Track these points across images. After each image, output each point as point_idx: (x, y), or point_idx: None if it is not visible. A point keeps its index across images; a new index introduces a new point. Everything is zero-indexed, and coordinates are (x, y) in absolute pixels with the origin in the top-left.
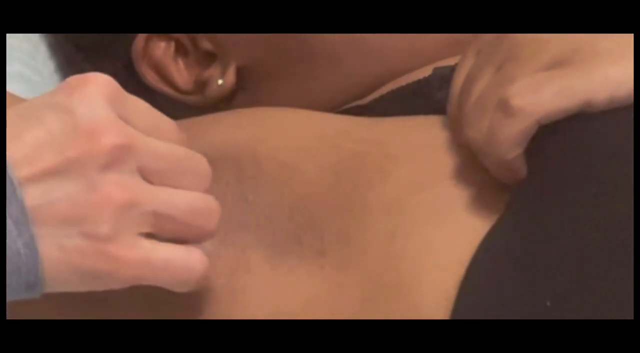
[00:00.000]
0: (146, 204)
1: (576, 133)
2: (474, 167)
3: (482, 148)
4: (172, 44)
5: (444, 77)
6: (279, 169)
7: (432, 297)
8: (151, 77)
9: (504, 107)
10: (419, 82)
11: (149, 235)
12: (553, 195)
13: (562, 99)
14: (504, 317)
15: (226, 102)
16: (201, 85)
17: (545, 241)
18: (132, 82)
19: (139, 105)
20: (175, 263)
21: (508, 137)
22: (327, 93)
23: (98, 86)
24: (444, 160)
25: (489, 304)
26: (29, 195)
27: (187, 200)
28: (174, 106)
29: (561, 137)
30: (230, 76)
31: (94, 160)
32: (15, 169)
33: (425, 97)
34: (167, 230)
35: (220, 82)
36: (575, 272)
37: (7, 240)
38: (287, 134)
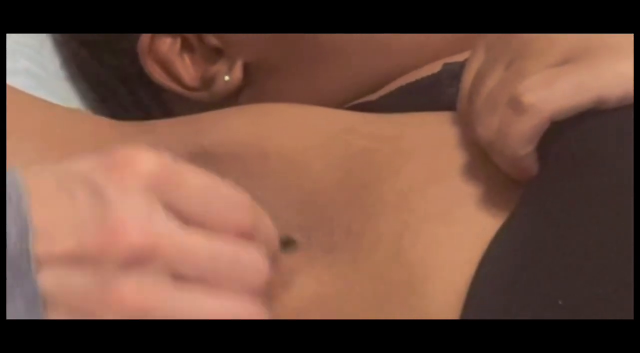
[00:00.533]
0: (162, 312)
1: (588, 130)
2: (484, 164)
3: (493, 145)
4: (178, 40)
5: (454, 73)
6: (286, 166)
7: (442, 295)
8: (157, 73)
9: (515, 104)
10: (428, 78)
11: None
12: (565, 193)
13: (574, 95)
14: (515, 316)
15: (233, 98)
16: (207, 82)
17: (557, 239)
18: (138, 78)
19: (192, 187)
20: None
21: (519, 134)
22: (335, 89)
23: (141, 170)
24: (454, 157)
25: (500, 303)
26: (42, 277)
27: (215, 314)
28: (180, 102)
29: (573, 134)
30: (237, 72)
31: (112, 258)
32: (34, 240)
33: (435, 93)
34: None
35: (226, 78)
36: (588, 270)
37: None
38: (294, 131)
